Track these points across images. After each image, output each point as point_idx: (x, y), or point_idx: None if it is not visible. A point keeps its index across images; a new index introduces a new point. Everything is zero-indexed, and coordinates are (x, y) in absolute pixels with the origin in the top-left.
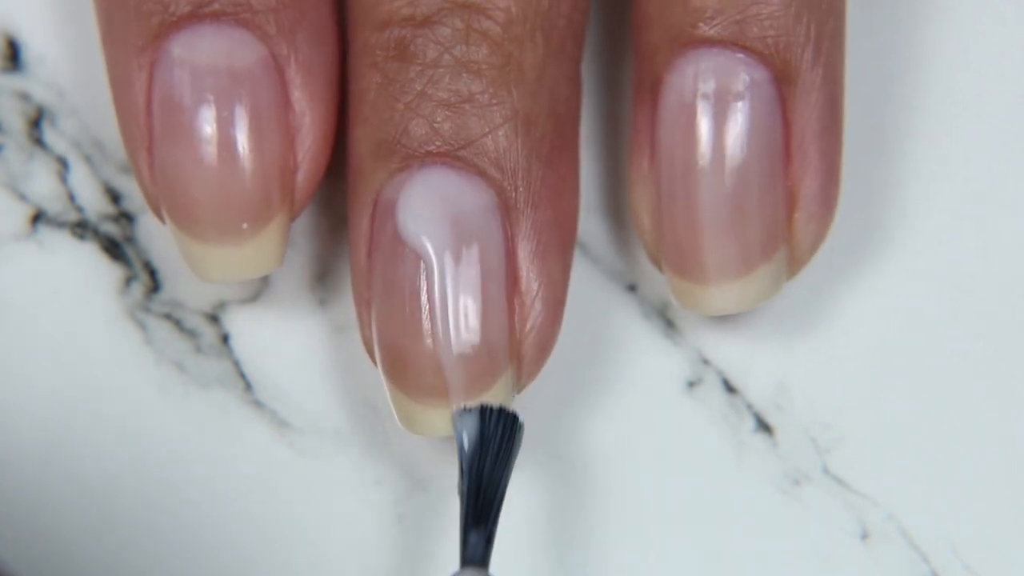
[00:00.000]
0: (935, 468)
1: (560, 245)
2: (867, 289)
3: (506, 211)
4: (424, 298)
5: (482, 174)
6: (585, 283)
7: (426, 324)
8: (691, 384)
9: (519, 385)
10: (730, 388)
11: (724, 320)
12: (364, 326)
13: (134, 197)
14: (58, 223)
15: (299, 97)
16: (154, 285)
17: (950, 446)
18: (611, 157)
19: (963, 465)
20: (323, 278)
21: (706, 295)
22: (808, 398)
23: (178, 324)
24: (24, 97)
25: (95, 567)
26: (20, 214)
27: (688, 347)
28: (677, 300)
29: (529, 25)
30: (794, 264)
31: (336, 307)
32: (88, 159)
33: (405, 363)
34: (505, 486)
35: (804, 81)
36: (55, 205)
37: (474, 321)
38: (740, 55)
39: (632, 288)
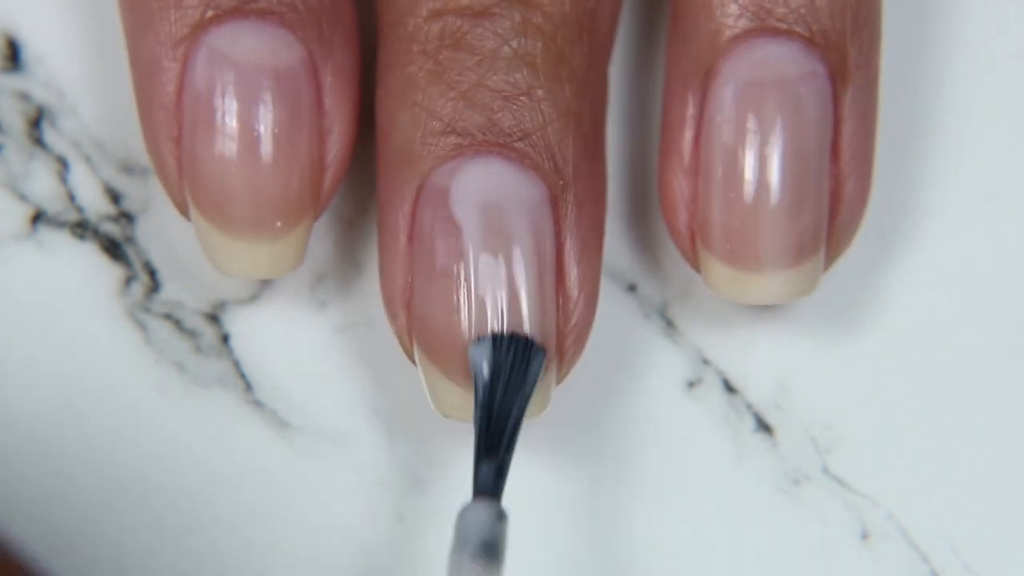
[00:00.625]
0: (935, 468)
1: (598, 242)
2: (867, 289)
3: (555, 206)
4: (472, 286)
5: (536, 167)
6: None
7: (475, 313)
8: (691, 384)
9: (559, 377)
10: (730, 388)
11: (724, 320)
12: (398, 314)
13: (134, 197)
14: (58, 223)
15: (330, 100)
16: (154, 285)
17: (950, 446)
18: (614, 160)
19: (963, 465)
20: (323, 278)
21: (755, 283)
22: (808, 398)
23: (178, 324)
24: (24, 97)
25: (95, 567)
26: (20, 214)
27: (688, 347)
28: (716, 288)
29: (578, 25)
30: (828, 261)
31: (336, 307)
32: (88, 159)
33: (450, 350)
34: (519, 415)
35: (855, 79)
36: (55, 205)
37: (524, 313)
38: (801, 46)
39: (632, 288)
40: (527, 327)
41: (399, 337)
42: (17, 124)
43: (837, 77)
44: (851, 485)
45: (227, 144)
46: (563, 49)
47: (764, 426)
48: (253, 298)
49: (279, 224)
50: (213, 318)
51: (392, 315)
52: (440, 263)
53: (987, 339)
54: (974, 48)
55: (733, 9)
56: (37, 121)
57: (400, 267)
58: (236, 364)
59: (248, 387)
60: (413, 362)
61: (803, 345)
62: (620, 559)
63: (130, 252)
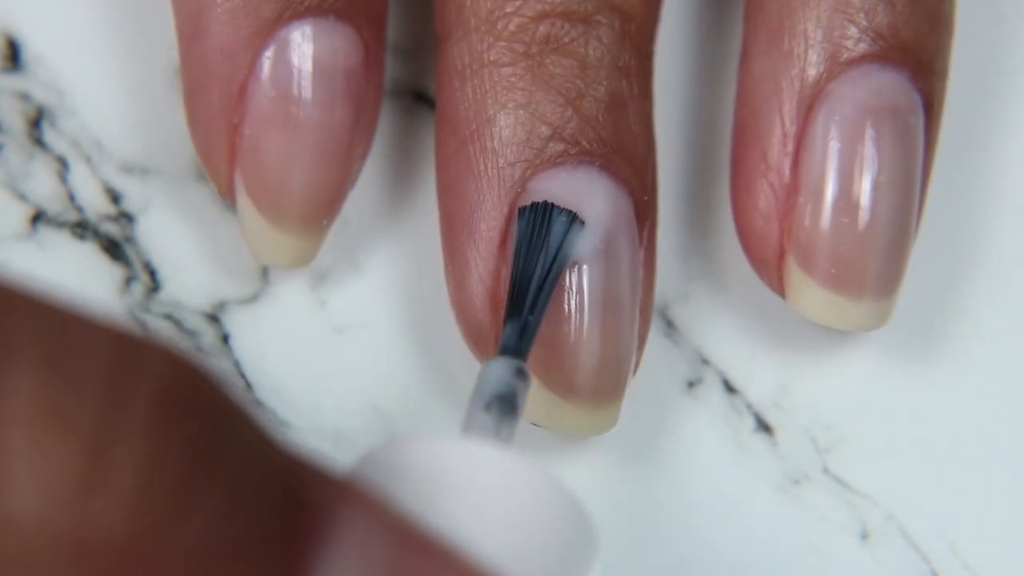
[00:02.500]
0: (935, 468)
1: (654, 252)
2: None
3: (640, 222)
4: (576, 299)
5: (627, 182)
6: None
7: (575, 325)
8: (691, 384)
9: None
10: (730, 388)
11: (724, 320)
12: (485, 313)
13: (134, 197)
14: (58, 223)
15: (368, 97)
16: (154, 285)
17: (950, 446)
18: None
19: (963, 465)
20: (323, 278)
21: (855, 310)
22: (808, 398)
23: (178, 324)
24: (24, 97)
25: None
26: (20, 214)
27: (688, 347)
28: (810, 311)
29: (649, 35)
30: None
31: (336, 307)
32: (88, 159)
33: (557, 361)
34: (543, 276)
35: (937, 115)
36: (55, 205)
37: (617, 328)
38: (910, 77)
39: None
40: (615, 345)
41: (471, 342)
42: (17, 124)
43: (929, 109)
44: (851, 485)
45: (294, 140)
46: (645, 64)
47: (764, 426)
48: (253, 298)
49: (325, 222)
50: (213, 318)
51: (472, 317)
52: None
53: (987, 339)
54: (990, 51)
55: (852, 32)
56: (37, 121)
57: (491, 267)
58: (236, 364)
59: (248, 387)
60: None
61: (803, 345)
62: (620, 559)
63: (130, 252)
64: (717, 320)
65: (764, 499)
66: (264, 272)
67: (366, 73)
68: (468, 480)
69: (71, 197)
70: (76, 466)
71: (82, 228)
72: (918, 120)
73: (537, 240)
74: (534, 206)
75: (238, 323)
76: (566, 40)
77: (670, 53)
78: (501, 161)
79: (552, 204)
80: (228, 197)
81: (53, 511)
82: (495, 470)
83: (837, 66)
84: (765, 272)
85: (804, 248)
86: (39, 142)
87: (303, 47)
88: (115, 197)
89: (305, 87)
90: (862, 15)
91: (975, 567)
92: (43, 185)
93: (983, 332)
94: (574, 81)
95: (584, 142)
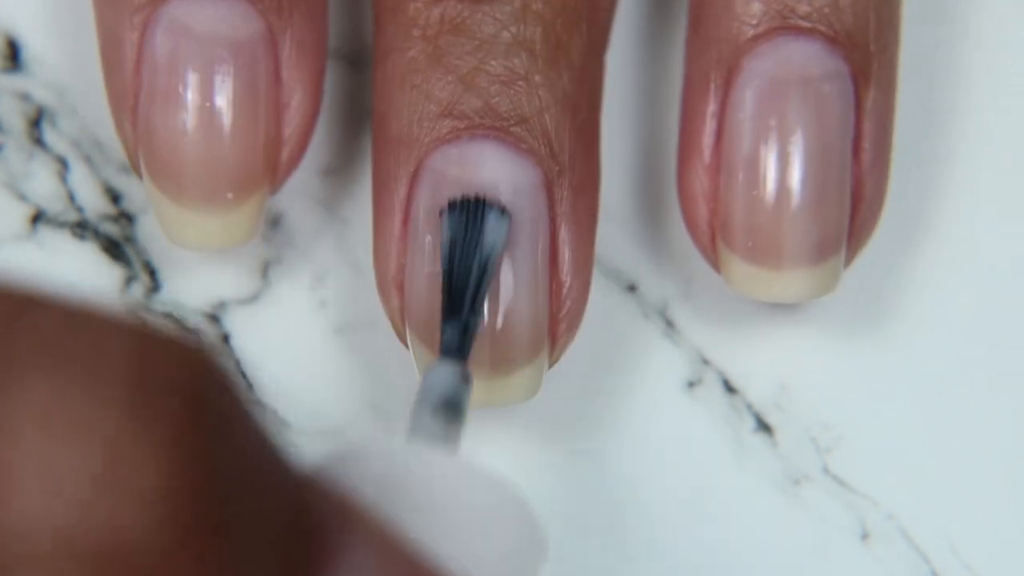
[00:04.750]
0: (935, 468)
1: (592, 230)
2: (867, 289)
3: (550, 191)
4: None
5: (532, 152)
6: None
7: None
8: (691, 384)
9: (551, 362)
10: (730, 388)
11: (724, 320)
12: (391, 296)
13: (134, 197)
14: (58, 223)
15: (290, 74)
16: (154, 285)
17: (950, 446)
18: (611, 158)
19: (963, 465)
20: (323, 278)
21: (777, 280)
22: (808, 398)
23: (178, 324)
24: (24, 97)
25: None
26: (20, 214)
27: (688, 347)
28: (737, 285)
29: (577, 13)
30: (848, 260)
31: (336, 308)
32: (88, 159)
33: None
34: (480, 275)
35: (876, 80)
36: (55, 205)
37: (520, 299)
38: (825, 45)
39: (632, 288)
40: (517, 313)
41: (392, 320)
42: (17, 124)
43: (860, 77)
44: (851, 485)
45: (180, 114)
46: (562, 36)
47: (764, 426)
48: (253, 298)
49: (230, 196)
50: (213, 318)
51: (385, 298)
52: (430, 248)
53: (988, 339)
54: (987, 47)
55: (757, 8)
56: (37, 121)
57: (394, 250)
58: (236, 364)
59: (248, 387)
60: (406, 345)
61: (803, 345)
62: (620, 559)
63: (130, 252)
64: (717, 320)
65: (764, 499)
66: (264, 272)
67: (267, 44)
68: (418, 488)
69: (71, 197)
70: (88, 470)
71: (82, 228)
72: (836, 87)
73: (472, 239)
74: (466, 202)
75: (238, 323)
76: (459, 20)
77: (657, 45)
78: (400, 143)
79: (484, 200)
80: (141, 178)
81: (64, 515)
82: (444, 477)
83: (747, 42)
84: (706, 255)
85: (725, 224)
86: (39, 142)
87: (183, 21)
88: (115, 197)
89: (184, 60)
90: None
91: (975, 567)
92: (43, 185)
93: (983, 333)
94: (466, 58)
95: (476, 117)
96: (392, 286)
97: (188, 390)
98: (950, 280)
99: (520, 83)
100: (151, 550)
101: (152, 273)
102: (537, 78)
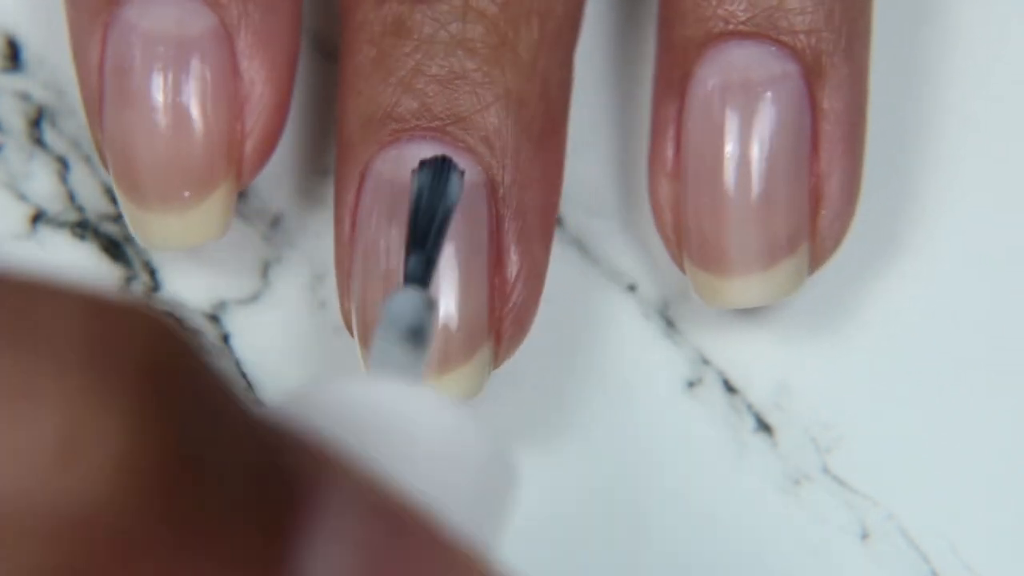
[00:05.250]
0: (935, 468)
1: (543, 227)
2: (868, 289)
3: (493, 189)
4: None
5: (470, 151)
6: (585, 283)
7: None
8: (691, 384)
9: (497, 362)
10: (730, 388)
11: (724, 320)
12: (344, 298)
13: None
14: (58, 223)
15: (249, 66)
16: (154, 285)
17: (950, 446)
18: (613, 158)
19: (963, 465)
20: (323, 278)
21: (728, 288)
22: (808, 398)
23: (178, 324)
24: (24, 97)
25: None
26: (20, 214)
27: (688, 347)
28: (698, 294)
29: (524, 8)
30: (815, 261)
31: (336, 308)
32: (88, 159)
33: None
34: (443, 216)
35: (833, 77)
36: (55, 205)
37: (454, 296)
38: (771, 48)
39: (632, 288)
40: (452, 312)
41: (345, 323)
42: (17, 124)
43: (812, 75)
44: (851, 485)
45: (133, 114)
46: (506, 32)
47: (764, 426)
48: (253, 298)
49: (187, 194)
50: (213, 318)
51: (340, 302)
52: (373, 251)
53: (988, 339)
54: (973, 47)
55: (706, 14)
56: (37, 121)
57: (346, 256)
58: (236, 364)
59: (248, 387)
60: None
61: (803, 345)
62: (619, 559)
63: (130, 252)
64: (717, 320)
65: (764, 499)
66: (264, 272)
67: (219, 39)
68: (386, 421)
69: (71, 197)
70: (50, 441)
71: (82, 228)
72: (782, 90)
73: (437, 188)
74: (434, 160)
75: (238, 323)
76: (400, 21)
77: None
78: (349, 149)
79: (448, 160)
80: None
81: (26, 486)
82: (412, 408)
83: (696, 49)
84: (676, 262)
85: (681, 231)
86: (39, 142)
87: (134, 21)
88: (115, 197)
89: (134, 60)
90: None
91: (975, 567)
92: (43, 185)
93: (984, 333)
94: (405, 60)
95: (413, 119)
96: (345, 284)
97: (147, 357)
98: (950, 280)
99: (458, 82)
100: (114, 518)
101: (152, 273)
102: (476, 76)
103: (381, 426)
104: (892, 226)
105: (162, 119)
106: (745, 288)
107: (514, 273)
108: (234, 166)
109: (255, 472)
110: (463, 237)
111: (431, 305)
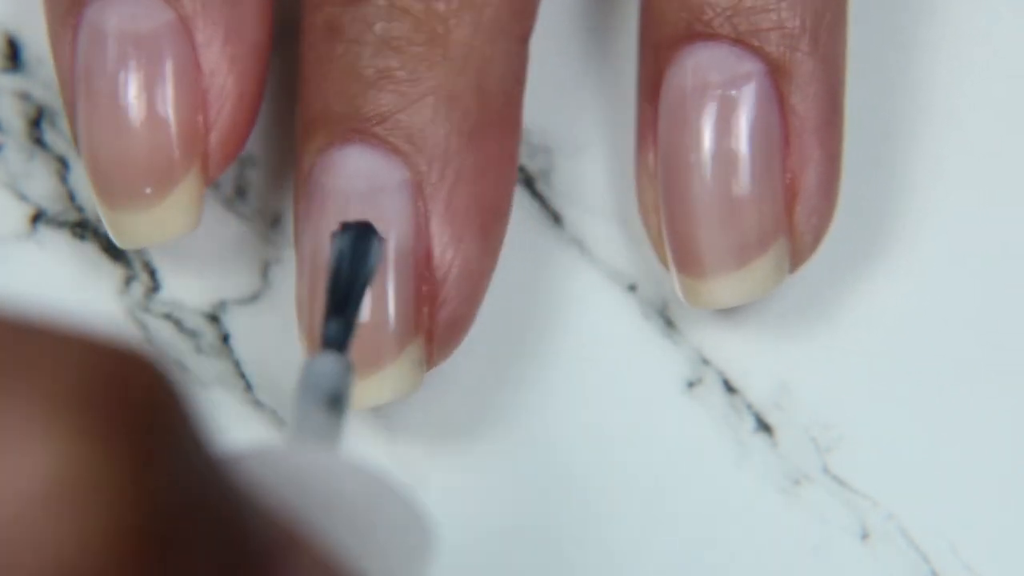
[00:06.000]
0: (935, 468)
1: (480, 224)
2: (868, 289)
3: (419, 188)
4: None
5: (396, 150)
6: (585, 283)
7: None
8: (691, 384)
9: (430, 362)
10: (730, 388)
11: (724, 320)
12: (301, 316)
13: None
14: (58, 223)
15: (211, 58)
16: (154, 285)
17: (950, 446)
18: (612, 158)
19: (963, 465)
20: None
21: (704, 289)
22: (808, 398)
23: (178, 324)
24: (24, 97)
25: None
26: (20, 214)
27: (688, 347)
28: (681, 295)
29: (456, 3)
30: (797, 257)
31: None
32: None
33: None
34: (363, 282)
35: (801, 73)
36: (55, 205)
37: (380, 295)
38: (735, 48)
39: (632, 288)
40: (377, 311)
41: (300, 338)
42: (17, 124)
43: (777, 72)
44: (851, 485)
45: (96, 113)
46: (434, 28)
47: (764, 426)
48: (253, 298)
49: (149, 191)
50: (213, 318)
51: (297, 314)
52: (312, 258)
53: (988, 339)
54: (960, 43)
55: (670, 19)
56: (37, 121)
57: (299, 263)
58: (236, 364)
59: (248, 387)
60: None
61: (803, 345)
62: (619, 559)
63: (130, 252)
64: (717, 320)
65: (764, 499)
66: (264, 272)
67: (175, 33)
68: (309, 484)
69: (71, 197)
70: (39, 486)
71: (82, 228)
72: (744, 89)
73: (359, 255)
74: (352, 225)
75: (238, 323)
76: (333, 24)
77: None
78: (296, 154)
79: (369, 226)
80: None
81: (10, 535)
82: (330, 474)
83: (665, 53)
84: (663, 265)
85: (661, 236)
86: (39, 142)
87: (94, 21)
88: None
89: (94, 59)
90: None
91: (975, 567)
92: (43, 185)
93: (984, 332)
94: (338, 62)
95: (342, 123)
96: (301, 286)
97: (141, 401)
98: (950, 280)
99: (383, 82)
100: (95, 568)
101: (152, 273)
102: (401, 74)
103: (305, 490)
104: (892, 226)
105: (122, 116)
106: (721, 288)
107: (444, 271)
108: (198, 159)
109: (229, 538)
110: (390, 239)
111: (350, 369)
